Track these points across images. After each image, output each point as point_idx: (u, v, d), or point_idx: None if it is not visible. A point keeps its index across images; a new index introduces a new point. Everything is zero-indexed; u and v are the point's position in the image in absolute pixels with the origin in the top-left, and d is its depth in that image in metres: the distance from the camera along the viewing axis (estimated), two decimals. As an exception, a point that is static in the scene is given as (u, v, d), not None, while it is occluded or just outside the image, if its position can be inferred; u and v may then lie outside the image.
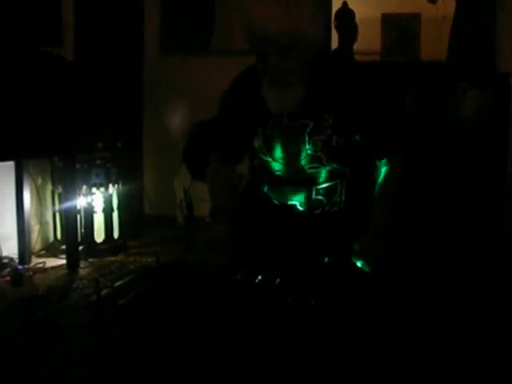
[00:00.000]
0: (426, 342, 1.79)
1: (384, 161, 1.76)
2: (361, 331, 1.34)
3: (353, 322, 1.36)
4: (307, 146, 1.72)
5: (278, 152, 1.77)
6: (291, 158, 1.76)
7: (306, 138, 1.72)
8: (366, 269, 1.61)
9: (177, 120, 3.99)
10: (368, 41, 3.49)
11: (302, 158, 1.74)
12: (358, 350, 1.30)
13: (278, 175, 1.81)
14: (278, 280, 1.54)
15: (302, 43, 1.56)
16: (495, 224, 3.06)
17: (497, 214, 3.08)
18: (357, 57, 3.39)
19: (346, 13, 3.50)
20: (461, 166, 3.09)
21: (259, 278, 1.57)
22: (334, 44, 3.51)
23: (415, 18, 3.50)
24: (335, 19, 3.51)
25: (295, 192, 1.80)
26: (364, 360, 1.29)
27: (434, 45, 3.40)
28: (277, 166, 1.79)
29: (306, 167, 1.76)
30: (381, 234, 1.68)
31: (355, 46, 3.48)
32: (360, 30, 3.50)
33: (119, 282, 1.58)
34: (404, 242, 2.36)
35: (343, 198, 1.80)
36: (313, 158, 1.74)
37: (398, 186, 1.78)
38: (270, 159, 1.79)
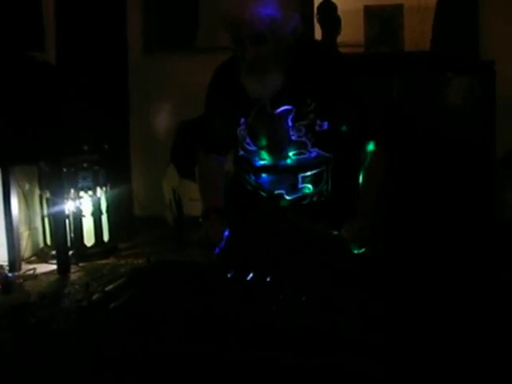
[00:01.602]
0: (421, 332, 1.79)
1: (370, 144, 1.76)
2: (353, 323, 1.33)
3: (345, 315, 1.36)
4: (291, 132, 1.72)
5: (263, 140, 1.76)
6: (276, 145, 1.75)
7: (290, 124, 1.71)
8: (358, 251, 1.61)
9: (163, 119, 3.97)
10: (351, 33, 3.49)
11: (286, 144, 1.74)
12: (350, 342, 1.30)
13: (263, 164, 1.80)
14: (268, 277, 1.53)
15: (278, 30, 1.57)
16: (484, 211, 3.07)
17: (486, 201, 3.09)
18: (340, 49, 3.39)
19: (328, 6, 3.49)
20: (449, 154, 3.09)
21: (250, 275, 1.56)
22: (317, 37, 3.50)
23: (398, 9, 3.49)
24: (317, 12, 3.51)
25: (281, 180, 1.79)
26: (356, 352, 1.29)
27: (417, 35, 3.40)
28: (262, 155, 1.79)
29: (290, 154, 1.75)
30: (368, 214, 1.68)
31: (338, 39, 3.48)
32: (343, 22, 3.50)
33: (110, 286, 1.57)
34: (398, 234, 2.36)
35: (330, 185, 1.80)
36: (297, 144, 1.73)
37: (385, 168, 1.78)
38: (254, 148, 1.79)
